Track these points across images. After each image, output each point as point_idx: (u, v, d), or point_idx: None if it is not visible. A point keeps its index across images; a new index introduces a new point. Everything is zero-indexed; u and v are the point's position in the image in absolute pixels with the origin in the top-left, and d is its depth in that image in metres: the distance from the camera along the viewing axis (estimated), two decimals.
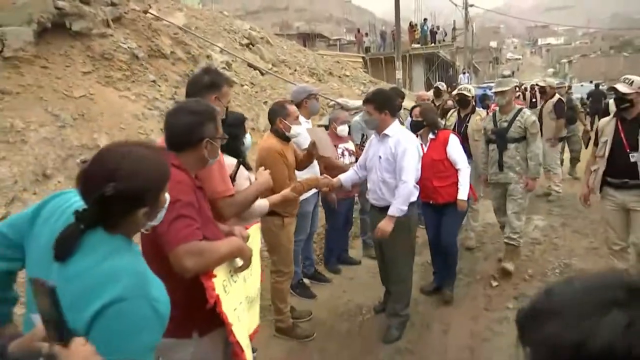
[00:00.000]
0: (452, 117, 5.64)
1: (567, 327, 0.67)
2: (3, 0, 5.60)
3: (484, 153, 4.86)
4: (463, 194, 3.98)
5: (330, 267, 4.89)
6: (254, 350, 2.42)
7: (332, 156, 4.06)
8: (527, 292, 4.26)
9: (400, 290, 3.59)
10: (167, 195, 1.35)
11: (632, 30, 70.79)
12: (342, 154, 4.61)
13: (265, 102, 8.68)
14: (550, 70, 65.20)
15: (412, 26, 28.61)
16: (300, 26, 47.95)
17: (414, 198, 3.43)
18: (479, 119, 5.36)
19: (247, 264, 1.88)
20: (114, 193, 1.16)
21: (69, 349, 1.03)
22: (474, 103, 6.71)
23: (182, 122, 1.81)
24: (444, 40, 30.72)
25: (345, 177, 3.70)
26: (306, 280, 4.44)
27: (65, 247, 1.20)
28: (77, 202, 1.30)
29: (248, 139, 2.71)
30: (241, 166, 2.50)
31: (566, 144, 8.32)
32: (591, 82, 22.74)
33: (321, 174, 3.87)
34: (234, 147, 2.47)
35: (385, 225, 3.29)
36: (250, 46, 13.00)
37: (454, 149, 4.02)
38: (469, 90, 5.62)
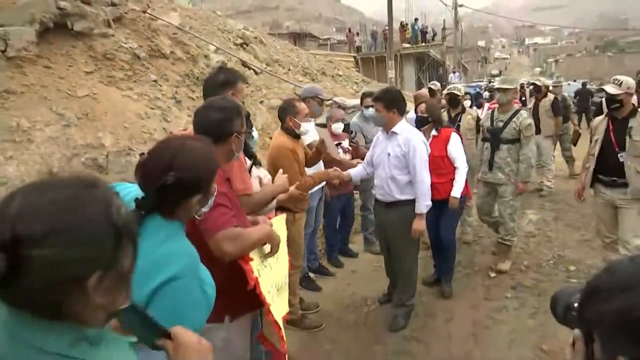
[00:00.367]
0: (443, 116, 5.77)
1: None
2: (4, 0, 5.65)
3: (479, 150, 4.94)
4: (456, 191, 4.10)
5: (332, 261, 5.02)
6: None
7: (335, 155, 4.19)
8: (524, 282, 4.43)
9: (406, 282, 3.74)
10: (214, 185, 1.47)
11: (616, 31, 71.94)
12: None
13: (262, 102, 8.80)
14: (538, 69, 66.00)
15: (402, 26, 28.81)
16: (290, 25, 48.04)
17: None
18: (471, 118, 5.49)
19: (275, 249, 2.00)
20: (174, 181, 1.28)
21: (177, 342, 0.99)
22: (470, 102, 6.88)
23: (213, 118, 1.92)
24: (433, 40, 30.99)
25: (355, 173, 3.83)
26: (311, 274, 4.56)
27: None
28: (132, 191, 1.41)
29: (255, 133, 2.82)
30: (254, 166, 2.62)
31: (558, 142, 8.53)
32: (575, 80, 23.14)
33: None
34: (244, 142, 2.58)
35: (419, 225, 3.50)
36: (245, 46, 13.08)
37: (455, 147, 4.14)
38: (459, 89, 5.74)
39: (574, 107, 9.02)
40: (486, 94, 12.43)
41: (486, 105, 8.52)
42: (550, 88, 9.03)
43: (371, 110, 4.40)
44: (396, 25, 23.21)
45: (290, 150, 3.34)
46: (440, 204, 4.17)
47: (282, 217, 2.54)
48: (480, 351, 3.36)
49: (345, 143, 4.85)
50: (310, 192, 3.75)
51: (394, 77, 16.49)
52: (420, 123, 4.17)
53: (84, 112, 5.31)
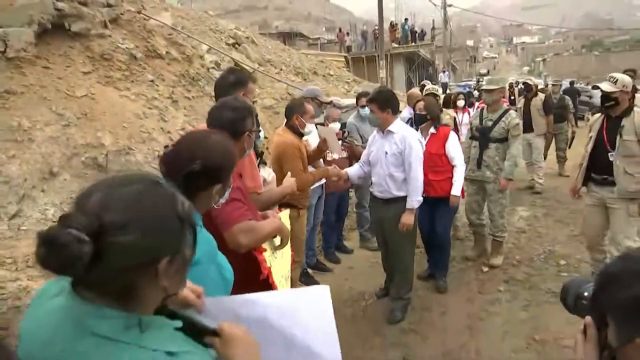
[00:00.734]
0: None
1: None
2: (2, 2, 5.68)
3: (467, 148, 4.98)
4: (457, 189, 4.18)
5: (329, 257, 5.14)
6: None
7: (339, 154, 4.29)
8: (516, 276, 4.58)
9: (404, 276, 3.87)
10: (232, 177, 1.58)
11: (602, 31, 72.89)
12: None
13: (255, 102, 8.87)
14: (526, 68, 66.72)
15: (392, 26, 29.00)
16: (280, 25, 48.06)
17: None
18: (448, 118, 5.64)
19: (285, 242, 2.11)
20: (200, 169, 1.38)
21: (225, 337, 1.02)
22: (464, 101, 7.05)
23: (227, 117, 2.02)
24: (422, 39, 31.22)
25: (352, 171, 3.93)
26: (309, 270, 4.67)
27: None
28: None
29: (262, 132, 2.93)
30: (260, 165, 2.73)
31: (554, 141, 8.68)
32: (560, 80, 23.47)
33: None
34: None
35: (407, 219, 3.60)
36: (237, 46, 13.15)
37: (453, 145, 4.22)
38: (437, 90, 5.91)
39: (572, 107, 9.15)
40: (476, 93, 12.62)
41: (477, 104, 8.68)
42: (550, 87, 9.20)
43: (367, 110, 4.52)
44: (386, 25, 23.36)
45: (296, 147, 3.45)
46: (435, 201, 4.25)
47: (286, 212, 2.65)
48: (475, 342, 3.49)
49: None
50: (310, 188, 3.87)
51: (385, 76, 16.62)
52: (418, 120, 4.28)
53: (83, 112, 5.37)
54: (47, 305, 0.92)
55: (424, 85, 8.67)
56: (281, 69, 13.62)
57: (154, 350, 0.84)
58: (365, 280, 4.56)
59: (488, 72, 44.10)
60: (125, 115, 5.66)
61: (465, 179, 4.96)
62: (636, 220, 3.77)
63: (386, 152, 3.65)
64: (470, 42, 75.12)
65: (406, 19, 31.31)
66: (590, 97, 16.35)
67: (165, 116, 6.14)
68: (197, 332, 1.00)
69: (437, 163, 4.19)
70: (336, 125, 4.90)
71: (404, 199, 3.64)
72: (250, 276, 1.90)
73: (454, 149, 4.21)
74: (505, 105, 5.15)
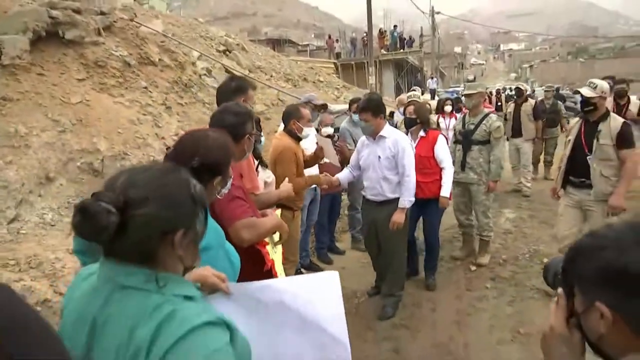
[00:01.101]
0: None
1: (616, 255, 0.85)
2: None
3: (453, 152, 5.09)
4: (446, 191, 4.30)
5: (322, 258, 5.26)
6: None
7: (334, 163, 4.43)
8: (502, 274, 4.73)
9: (397, 275, 4.00)
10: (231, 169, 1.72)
11: (587, 38, 74.22)
12: None
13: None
14: (513, 74, 67.60)
15: (381, 33, 29.34)
16: (269, 31, 48.33)
17: None
18: (431, 123, 5.82)
19: (285, 236, 2.24)
20: (198, 165, 1.51)
21: None
22: (451, 107, 7.26)
23: (228, 121, 2.15)
24: (410, 46, 31.58)
25: (342, 177, 4.02)
26: (303, 270, 4.79)
27: None
28: None
29: (263, 138, 3.06)
30: (260, 167, 2.86)
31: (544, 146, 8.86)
32: (541, 85, 23.97)
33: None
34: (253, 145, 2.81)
35: (399, 217, 3.72)
36: (227, 52, 13.28)
37: (441, 148, 4.34)
38: (419, 97, 6.08)
39: (565, 112, 9.36)
40: (464, 99, 12.87)
41: (464, 110, 8.89)
42: (542, 93, 9.40)
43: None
44: (375, 32, 23.66)
45: (292, 151, 3.58)
46: (423, 203, 4.34)
47: (278, 212, 2.80)
48: (463, 336, 3.63)
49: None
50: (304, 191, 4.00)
51: (374, 82, 16.84)
52: (408, 124, 4.42)
53: (78, 118, 5.45)
54: (84, 283, 1.09)
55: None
56: (271, 76, 13.77)
57: (175, 295, 0.99)
58: (357, 280, 4.69)
59: (475, 78, 44.67)
60: (119, 122, 5.75)
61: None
62: (613, 221, 3.90)
63: (379, 157, 3.75)
64: (458, 49, 76.06)
65: (395, 26, 31.65)
66: (575, 102, 16.66)
67: (159, 122, 6.24)
68: None
69: (426, 165, 4.30)
70: (329, 130, 5.04)
71: (396, 200, 3.77)
72: (256, 268, 2.02)
73: (443, 151, 4.33)
74: (486, 110, 5.32)
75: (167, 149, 1.78)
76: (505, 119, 8.08)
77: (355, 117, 5.25)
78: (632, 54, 49.16)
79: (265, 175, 2.94)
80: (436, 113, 7.84)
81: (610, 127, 3.81)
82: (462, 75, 55.79)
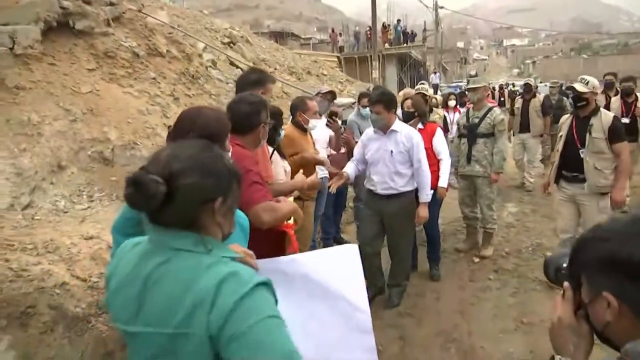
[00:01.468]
0: None
1: (621, 246, 0.88)
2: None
3: (457, 147, 5.26)
4: (443, 182, 4.40)
5: None
6: None
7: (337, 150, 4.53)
8: (505, 266, 4.83)
9: (403, 265, 4.11)
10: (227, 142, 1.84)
11: (590, 34, 74.05)
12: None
13: None
14: (515, 70, 67.49)
15: (385, 27, 29.28)
16: (271, 24, 48.22)
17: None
18: (438, 117, 5.89)
19: (300, 221, 2.33)
20: (195, 137, 1.61)
21: None
22: (455, 101, 7.32)
23: (244, 110, 2.23)
24: (413, 41, 31.53)
25: (350, 171, 4.03)
26: None
27: None
28: None
29: (282, 132, 3.14)
30: (277, 155, 2.94)
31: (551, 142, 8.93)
32: (542, 82, 24.01)
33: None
34: (272, 137, 2.89)
35: (424, 212, 3.86)
36: (232, 45, 13.32)
37: (439, 140, 4.45)
38: (427, 90, 6.15)
39: (570, 109, 9.38)
40: (468, 93, 12.92)
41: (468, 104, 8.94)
42: (548, 89, 9.42)
43: (368, 110, 4.70)
44: (378, 26, 23.65)
45: (299, 142, 3.66)
46: None
47: (291, 199, 2.89)
48: (467, 324, 3.73)
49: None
50: None
51: (378, 77, 16.88)
52: (406, 118, 4.49)
53: (89, 108, 5.53)
54: (129, 253, 1.19)
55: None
56: (275, 69, 13.80)
57: (222, 257, 1.11)
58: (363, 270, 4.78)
59: (476, 73, 44.64)
60: (129, 111, 5.83)
61: (457, 174, 5.25)
62: (606, 214, 3.94)
63: (392, 151, 3.78)
64: (460, 44, 75.80)
65: (399, 20, 31.58)
66: None
67: (167, 112, 6.32)
68: None
69: None
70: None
71: (405, 193, 3.84)
72: (279, 250, 2.13)
73: (441, 143, 4.43)
74: (490, 104, 5.41)
75: (168, 127, 1.92)
76: (513, 115, 8.14)
77: (364, 110, 5.33)
78: (635, 50, 49.10)
79: (286, 165, 3.03)
80: (442, 107, 7.91)
81: (602, 121, 3.90)
82: (464, 71, 55.66)
